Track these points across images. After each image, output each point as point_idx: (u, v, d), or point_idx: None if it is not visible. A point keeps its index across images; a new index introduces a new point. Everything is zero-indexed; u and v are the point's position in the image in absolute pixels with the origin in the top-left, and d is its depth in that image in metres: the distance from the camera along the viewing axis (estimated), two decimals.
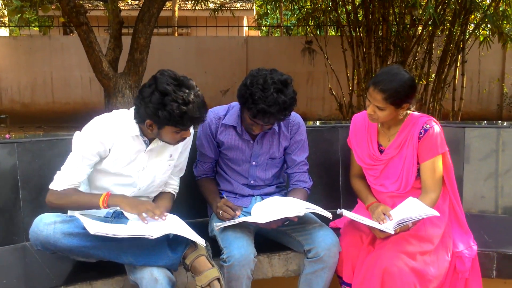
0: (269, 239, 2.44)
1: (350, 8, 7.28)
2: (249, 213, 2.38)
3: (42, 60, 10.99)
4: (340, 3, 7.21)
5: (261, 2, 14.15)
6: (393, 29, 6.74)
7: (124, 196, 2.14)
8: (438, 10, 6.17)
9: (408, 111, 2.43)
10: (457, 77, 7.02)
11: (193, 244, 2.11)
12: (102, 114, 2.19)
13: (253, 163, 2.49)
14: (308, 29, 8.67)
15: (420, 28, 6.66)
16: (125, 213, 2.11)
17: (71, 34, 13.15)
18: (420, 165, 2.39)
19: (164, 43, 10.73)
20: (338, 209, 2.27)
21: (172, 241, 2.10)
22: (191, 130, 2.18)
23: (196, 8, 9.06)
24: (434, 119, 2.43)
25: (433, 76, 6.93)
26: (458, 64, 6.93)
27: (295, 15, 9.16)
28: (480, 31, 6.80)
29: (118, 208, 2.11)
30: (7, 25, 14.56)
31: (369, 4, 6.62)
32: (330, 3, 7.41)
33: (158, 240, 2.04)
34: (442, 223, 2.37)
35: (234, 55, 11.17)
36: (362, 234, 2.34)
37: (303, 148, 2.55)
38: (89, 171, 2.14)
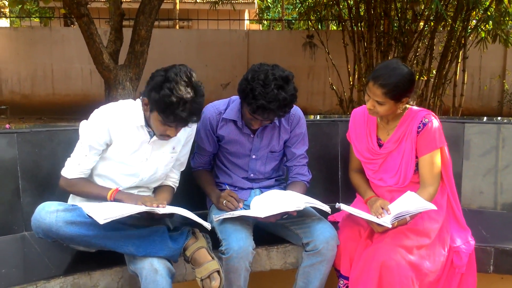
0: (267, 232, 2.45)
1: (352, 2, 7.28)
2: (248, 207, 2.39)
3: (42, 52, 10.98)
4: None
5: None
6: (395, 24, 6.74)
7: (130, 193, 2.17)
8: (441, 5, 6.16)
9: (407, 105, 2.43)
10: (458, 73, 7.03)
11: (193, 236, 2.12)
12: (108, 104, 2.20)
13: (253, 156, 2.50)
14: (310, 23, 8.66)
15: (421, 23, 6.65)
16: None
17: (72, 25, 13.12)
18: (419, 159, 2.40)
19: (165, 35, 10.71)
20: (337, 203, 2.28)
21: (173, 233, 2.12)
22: (179, 132, 2.14)
23: (197, 1, 9.04)
24: (433, 113, 2.43)
25: (434, 72, 6.93)
26: (459, 60, 6.93)
27: (297, 9, 9.15)
28: (482, 27, 6.79)
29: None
30: (7, 16, 14.53)
31: None
32: None
33: (159, 231, 2.06)
34: (440, 217, 2.38)
35: (235, 49, 11.15)
36: (360, 228, 2.35)
37: (303, 141, 2.56)
38: (97, 159, 2.18)
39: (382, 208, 2.30)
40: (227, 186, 2.49)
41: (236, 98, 2.45)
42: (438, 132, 2.38)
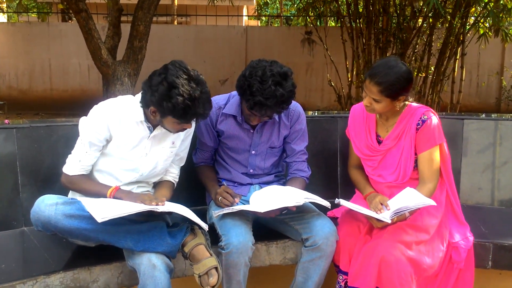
0: (267, 227, 2.45)
1: None
2: (247, 202, 2.40)
3: (40, 47, 10.94)
4: None
5: None
6: (394, 21, 6.73)
7: (130, 192, 2.18)
8: (439, 2, 6.15)
9: (406, 102, 2.43)
10: (456, 70, 7.03)
11: (192, 233, 2.13)
12: (107, 99, 2.20)
13: (253, 152, 2.50)
14: (308, 20, 8.64)
15: (420, 20, 6.65)
16: None
17: (70, 21, 13.08)
18: (418, 156, 2.40)
19: (163, 31, 10.68)
20: (336, 199, 2.28)
21: (172, 229, 2.12)
22: (193, 122, 2.19)
23: None
24: (432, 110, 2.44)
25: (432, 68, 6.93)
26: (458, 57, 6.93)
27: (295, 5, 9.13)
28: (480, 24, 6.80)
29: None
30: (5, 11, 14.45)
31: None
32: None
33: (158, 227, 2.06)
34: (439, 213, 2.39)
35: (234, 45, 11.13)
36: (359, 224, 2.36)
37: (303, 137, 2.56)
38: (97, 155, 2.18)
39: (382, 204, 2.30)
40: (224, 182, 2.49)
41: (236, 94, 2.45)
42: (437, 128, 2.38)
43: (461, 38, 6.67)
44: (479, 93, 10.98)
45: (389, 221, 2.21)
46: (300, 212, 2.33)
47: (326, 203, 2.23)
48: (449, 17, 6.56)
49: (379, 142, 2.50)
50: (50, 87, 11.12)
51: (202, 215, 2.38)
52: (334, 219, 2.42)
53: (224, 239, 2.16)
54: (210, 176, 2.52)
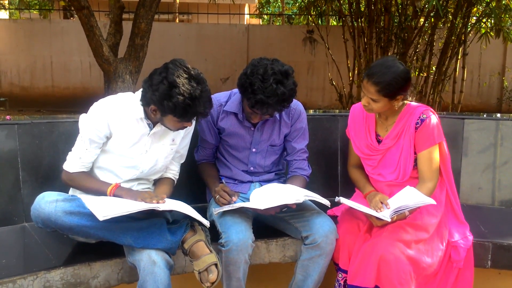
0: (267, 225, 2.45)
1: None
2: (248, 199, 2.40)
3: (42, 44, 10.94)
4: None
5: None
6: (395, 20, 6.73)
7: (130, 189, 2.18)
8: (441, 1, 6.15)
9: (405, 101, 2.44)
10: (457, 70, 7.02)
11: (192, 229, 2.13)
12: (107, 96, 2.20)
13: (253, 150, 2.50)
14: (310, 18, 8.63)
15: (422, 19, 6.65)
16: None
17: (72, 18, 13.08)
18: (417, 155, 2.41)
19: (164, 29, 10.67)
20: (336, 197, 2.29)
21: (172, 225, 2.12)
22: (193, 121, 2.20)
23: None
24: (431, 109, 2.44)
25: (433, 68, 6.92)
26: (459, 57, 6.93)
27: (297, 3, 9.12)
28: (482, 24, 6.79)
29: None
30: (7, 7, 14.46)
31: None
32: None
33: (158, 223, 2.06)
34: (439, 212, 2.39)
35: (235, 43, 11.13)
36: (359, 222, 2.36)
37: (303, 135, 2.56)
38: (98, 152, 2.19)
39: (382, 203, 2.31)
40: (223, 180, 2.50)
41: (237, 91, 2.46)
42: (437, 127, 2.39)
43: (463, 38, 6.67)
44: (481, 93, 10.97)
45: (389, 220, 2.21)
46: (300, 210, 2.33)
47: (326, 202, 2.24)
48: (450, 16, 6.56)
49: (379, 141, 2.50)
50: (51, 84, 11.12)
51: (203, 212, 2.39)
52: (334, 218, 2.43)
53: (224, 237, 2.17)
54: (211, 173, 2.52)
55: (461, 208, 2.54)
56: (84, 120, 2.16)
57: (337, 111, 3.56)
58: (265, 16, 17.95)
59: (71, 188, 2.27)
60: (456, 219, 2.50)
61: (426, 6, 5.86)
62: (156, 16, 5.97)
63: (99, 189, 2.14)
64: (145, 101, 2.10)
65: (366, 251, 2.21)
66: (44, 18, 11.50)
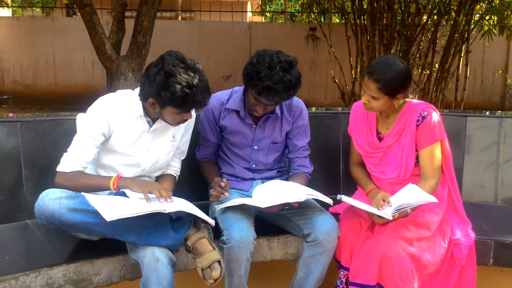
0: (269, 222, 2.46)
1: None
2: (250, 197, 2.40)
3: (44, 42, 10.96)
4: None
5: None
6: (398, 17, 6.71)
7: (133, 178, 2.18)
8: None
9: (406, 99, 2.43)
10: (460, 67, 7.00)
11: (195, 226, 2.14)
12: (106, 94, 2.20)
13: (255, 147, 2.51)
14: (312, 16, 8.61)
15: (425, 17, 6.63)
16: (128, 193, 2.13)
17: (74, 16, 13.09)
18: (419, 152, 2.40)
19: (167, 27, 10.68)
20: (338, 195, 2.29)
21: (175, 222, 2.13)
22: (193, 112, 2.19)
23: None
24: (432, 106, 2.43)
25: (436, 66, 6.90)
26: (462, 54, 6.90)
27: (300, 1, 9.10)
28: (485, 21, 6.76)
29: (124, 190, 2.13)
30: (9, 5, 14.48)
31: None
32: None
33: (161, 221, 2.07)
34: (441, 210, 2.39)
35: (237, 41, 11.12)
36: (361, 220, 2.36)
37: (305, 133, 2.56)
38: (96, 151, 2.16)
39: (383, 200, 2.30)
40: (224, 177, 2.50)
41: (238, 89, 2.46)
42: (438, 125, 2.38)
43: (466, 36, 6.65)
44: (484, 91, 10.94)
45: (391, 218, 2.21)
46: (302, 208, 2.33)
47: (328, 200, 2.24)
48: (453, 14, 6.53)
49: (380, 139, 2.50)
50: (54, 81, 11.15)
51: (205, 210, 2.40)
52: (335, 215, 2.43)
53: (226, 234, 2.17)
54: (212, 171, 2.52)
55: (463, 206, 2.54)
56: (82, 118, 2.14)
57: (339, 108, 3.55)
58: (268, 14, 17.94)
59: None
60: (458, 216, 2.50)
61: (429, 3, 5.84)
62: (158, 14, 5.98)
63: (100, 184, 2.12)
64: (143, 95, 2.08)
65: (368, 249, 2.21)
66: (47, 16, 11.55)
